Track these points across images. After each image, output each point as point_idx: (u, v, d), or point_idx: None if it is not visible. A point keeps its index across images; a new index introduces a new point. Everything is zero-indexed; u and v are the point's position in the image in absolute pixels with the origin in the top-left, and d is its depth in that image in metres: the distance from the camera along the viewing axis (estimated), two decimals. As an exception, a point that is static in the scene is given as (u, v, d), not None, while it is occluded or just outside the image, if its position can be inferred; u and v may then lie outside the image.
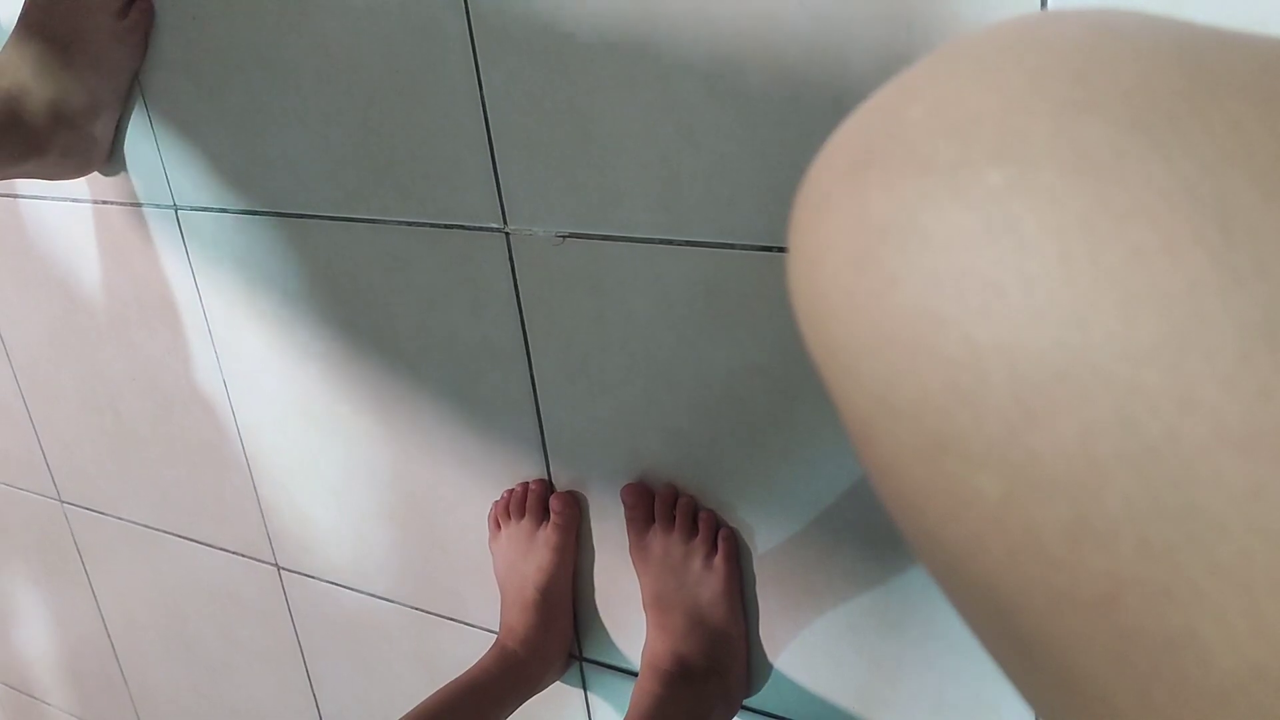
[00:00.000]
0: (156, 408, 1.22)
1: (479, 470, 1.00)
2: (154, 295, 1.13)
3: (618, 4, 0.73)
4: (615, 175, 0.79)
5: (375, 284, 0.96)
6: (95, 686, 1.64)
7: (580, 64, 0.77)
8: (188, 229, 1.06)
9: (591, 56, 0.76)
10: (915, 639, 0.83)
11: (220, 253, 1.05)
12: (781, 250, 0.75)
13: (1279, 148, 0.16)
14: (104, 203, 1.11)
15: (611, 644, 1.01)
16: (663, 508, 0.89)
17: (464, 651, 1.12)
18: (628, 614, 0.98)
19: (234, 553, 1.27)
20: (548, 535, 0.95)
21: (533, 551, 0.96)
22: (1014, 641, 0.18)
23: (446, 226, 0.89)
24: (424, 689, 1.18)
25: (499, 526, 0.99)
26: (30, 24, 0.96)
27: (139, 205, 1.09)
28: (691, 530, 0.88)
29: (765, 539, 0.86)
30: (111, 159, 1.07)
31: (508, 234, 0.86)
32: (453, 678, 0.94)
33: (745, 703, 0.94)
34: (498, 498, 0.99)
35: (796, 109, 0.70)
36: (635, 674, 1.01)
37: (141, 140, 1.04)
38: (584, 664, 1.04)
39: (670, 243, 0.79)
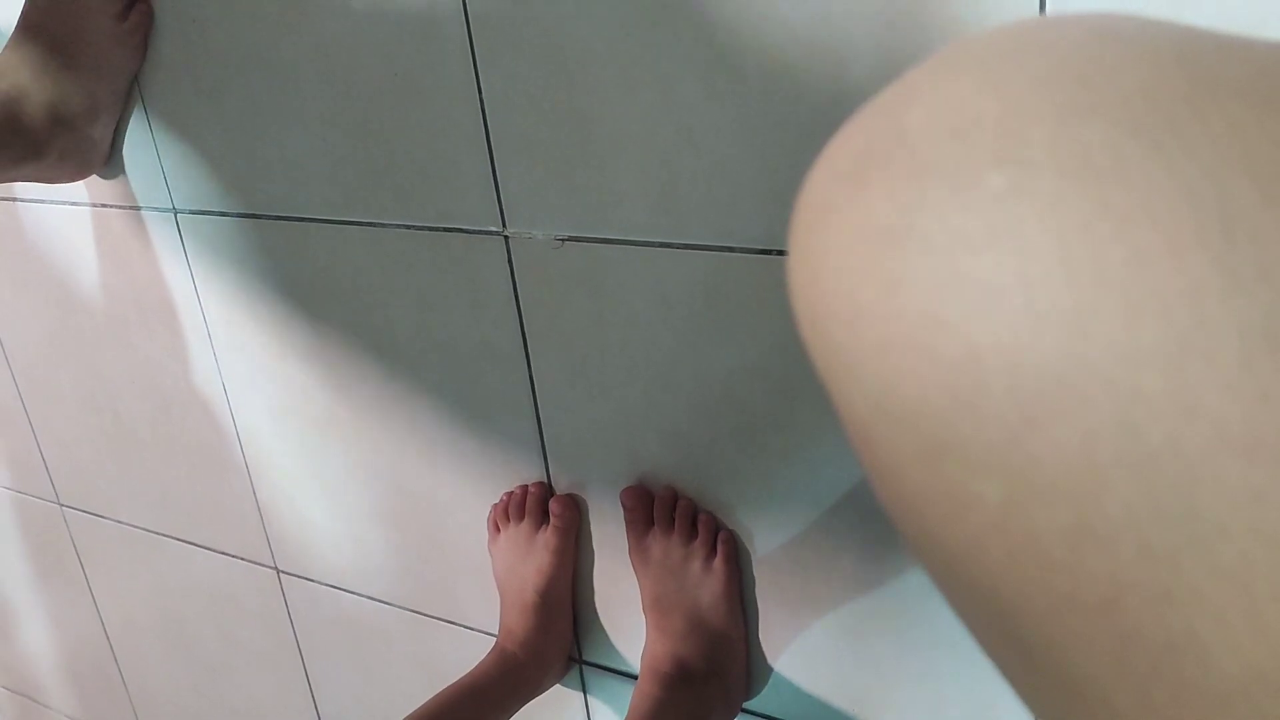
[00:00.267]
0: (155, 410, 1.22)
1: (478, 473, 0.99)
2: (153, 298, 1.13)
3: (617, 5, 0.73)
4: (614, 178, 0.79)
5: (374, 287, 0.96)
6: (95, 689, 1.64)
7: (579, 66, 0.77)
8: (186, 232, 1.06)
9: (590, 58, 0.76)
10: (915, 642, 0.83)
11: (219, 255, 1.05)
12: (781, 253, 0.75)
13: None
14: (103, 206, 1.11)
15: (611, 647, 1.01)
16: (662, 510, 0.89)
17: (463, 654, 1.12)
18: (627, 617, 0.98)
19: (233, 556, 1.27)
20: (547, 538, 0.95)
21: (532, 554, 0.96)
22: (1014, 644, 0.18)
23: (445, 229, 0.89)
24: (423, 692, 1.18)
25: (498, 529, 0.99)
26: (30, 26, 0.95)
27: (138, 208, 1.08)
28: (691, 533, 0.88)
29: (765, 541, 0.86)
30: (110, 162, 1.07)
31: (507, 237, 0.86)
32: (452, 680, 0.94)
33: (745, 705, 0.94)
34: (497, 500, 0.99)
35: (796, 111, 0.70)
36: (635, 677, 1.00)
37: (140, 143, 1.04)
38: (584, 667, 1.04)
39: (670, 245, 0.79)
